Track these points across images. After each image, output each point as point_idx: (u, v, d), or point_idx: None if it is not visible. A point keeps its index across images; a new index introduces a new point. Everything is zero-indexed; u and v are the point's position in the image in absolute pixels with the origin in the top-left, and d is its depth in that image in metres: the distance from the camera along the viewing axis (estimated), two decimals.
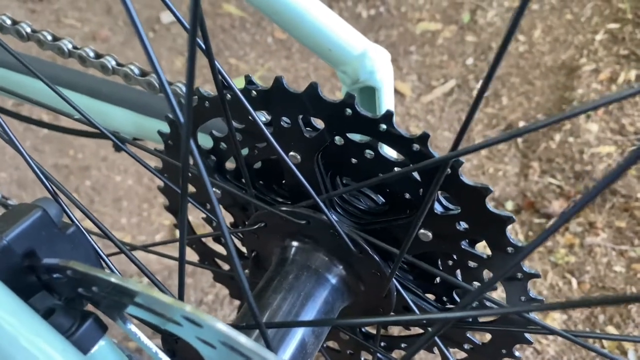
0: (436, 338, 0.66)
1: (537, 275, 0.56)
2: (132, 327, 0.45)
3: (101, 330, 0.45)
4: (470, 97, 2.20)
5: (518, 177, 1.95)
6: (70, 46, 0.75)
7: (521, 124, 2.06)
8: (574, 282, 1.70)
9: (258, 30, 2.52)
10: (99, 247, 0.53)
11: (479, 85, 2.21)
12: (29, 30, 0.77)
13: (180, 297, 0.46)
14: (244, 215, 0.74)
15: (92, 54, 0.74)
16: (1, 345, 0.36)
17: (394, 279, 0.64)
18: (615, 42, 2.21)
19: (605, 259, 1.73)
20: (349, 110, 0.53)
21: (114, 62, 0.73)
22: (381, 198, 0.66)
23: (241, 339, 0.35)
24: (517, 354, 0.65)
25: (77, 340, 0.43)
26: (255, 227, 0.67)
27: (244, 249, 0.79)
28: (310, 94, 0.54)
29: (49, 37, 0.76)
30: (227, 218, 0.79)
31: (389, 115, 0.52)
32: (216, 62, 0.52)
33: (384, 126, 0.52)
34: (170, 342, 0.59)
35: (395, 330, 0.98)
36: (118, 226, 1.80)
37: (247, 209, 0.72)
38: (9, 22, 0.77)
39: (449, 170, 0.52)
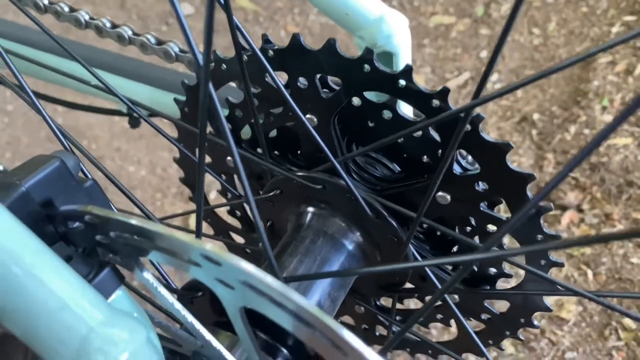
0: (455, 308, 0.65)
1: (557, 237, 0.55)
2: (149, 276, 0.44)
3: (118, 280, 0.45)
4: (484, 90, 2.18)
5: (533, 168, 1.93)
6: (87, 17, 0.75)
7: (535, 116, 2.04)
8: (590, 273, 1.68)
9: (271, 24, 2.52)
10: (114, 207, 0.53)
11: (493, 78, 2.20)
12: (46, 2, 0.77)
13: (198, 236, 0.46)
14: (259, 186, 0.73)
15: (108, 25, 0.74)
16: (25, 284, 0.36)
17: (410, 247, 0.63)
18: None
19: (621, 251, 1.70)
20: (367, 67, 0.53)
21: (130, 32, 0.73)
22: (397, 167, 0.66)
23: (259, 273, 0.35)
24: (535, 322, 0.64)
25: (95, 287, 0.43)
26: (271, 193, 0.66)
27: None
28: (328, 50, 0.53)
29: (66, 9, 0.76)
30: (241, 190, 0.79)
31: (408, 70, 0.51)
32: (235, 19, 0.52)
33: (403, 82, 0.52)
34: (185, 304, 0.58)
35: (411, 304, 0.97)
36: None
37: (262, 177, 0.72)
38: None
39: (468, 126, 0.51)
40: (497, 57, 0.41)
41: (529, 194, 0.53)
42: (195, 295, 0.57)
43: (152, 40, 0.72)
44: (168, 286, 0.57)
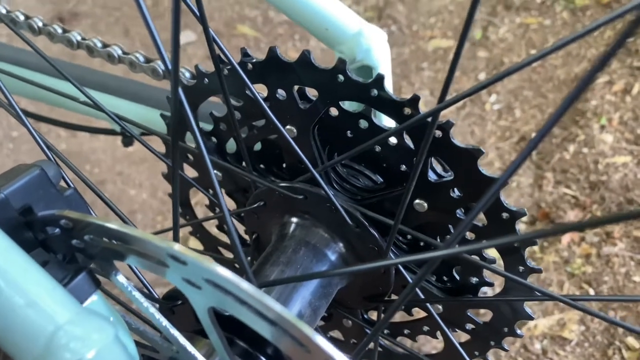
0: (438, 318, 0.65)
1: (533, 243, 0.56)
2: (123, 280, 0.45)
3: (94, 285, 0.46)
4: (482, 111, 2.20)
5: (532, 188, 1.93)
6: (79, 38, 0.78)
7: (534, 135, 2.05)
8: (592, 292, 1.66)
9: None
10: (94, 213, 0.54)
11: (491, 99, 2.22)
12: (40, 24, 0.80)
13: (175, 240, 0.47)
14: (246, 199, 0.74)
15: (99, 44, 0.77)
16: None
17: (391, 255, 0.64)
18: (629, 55, 2.20)
19: (623, 269, 1.69)
20: (341, 77, 0.54)
21: (120, 51, 0.76)
22: (379, 178, 0.66)
23: (220, 270, 0.36)
24: (519, 331, 0.64)
25: (70, 291, 0.44)
26: (255, 205, 0.67)
27: (246, 237, 0.80)
28: (304, 62, 0.55)
29: (59, 30, 0.79)
30: (230, 205, 0.80)
31: (380, 80, 0.53)
32: (212, 32, 0.54)
33: (375, 91, 0.53)
34: (167, 313, 0.59)
35: (397, 316, 0.96)
36: None
37: (247, 190, 0.73)
38: (22, 17, 0.81)
39: (439, 133, 0.52)
40: (457, 59, 0.43)
41: (502, 198, 0.54)
42: (175, 303, 0.57)
43: (141, 59, 0.74)
44: (150, 295, 0.57)
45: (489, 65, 2.36)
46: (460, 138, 2.13)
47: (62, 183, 0.54)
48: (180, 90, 0.41)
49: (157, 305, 0.56)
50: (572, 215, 1.81)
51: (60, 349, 0.36)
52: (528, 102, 2.19)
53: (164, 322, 0.47)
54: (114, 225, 0.41)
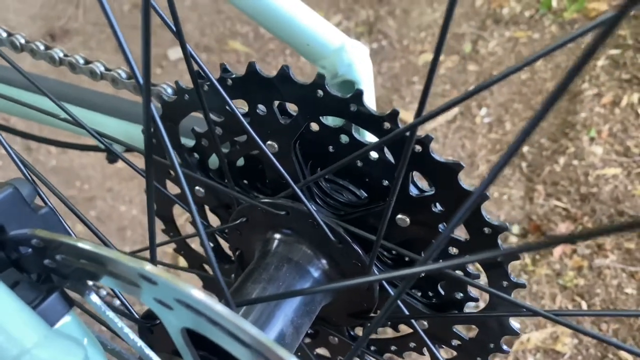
0: (423, 334, 0.65)
1: (516, 258, 0.55)
2: (97, 299, 0.44)
3: (67, 305, 0.45)
4: (473, 124, 2.21)
5: (523, 200, 1.93)
6: (61, 54, 0.77)
7: (524, 148, 2.05)
8: (584, 305, 1.65)
9: (263, 66, 2.57)
10: (72, 232, 0.53)
11: (481, 112, 2.22)
12: (22, 41, 0.79)
13: (152, 259, 0.46)
14: (229, 215, 0.74)
15: (81, 61, 0.76)
16: None
17: (375, 271, 0.63)
18: (617, 67, 2.22)
19: (615, 281, 1.68)
20: (320, 92, 0.54)
21: (102, 68, 0.75)
22: (363, 193, 0.66)
23: (191, 290, 0.35)
24: (505, 347, 0.63)
25: (41, 312, 0.43)
26: (237, 222, 0.67)
27: (230, 253, 0.79)
28: (282, 77, 0.55)
29: (42, 47, 0.78)
30: (214, 222, 0.79)
31: (358, 94, 0.52)
32: (189, 48, 0.54)
33: (354, 106, 0.53)
34: (146, 334, 0.58)
35: (383, 333, 0.95)
36: None
37: (231, 207, 0.72)
38: (4, 34, 0.80)
39: (419, 148, 0.52)
40: (433, 74, 0.42)
41: (484, 213, 0.53)
42: (154, 322, 0.56)
43: (123, 75, 0.74)
44: (128, 315, 0.56)
45: (479, 79, 2.37)
46: (450, 151, 2.13)
47: (39, 201, 0.53)
48: (152, 106, 0.41)
49: (133, 325, 0.55)
50: (564, 228, 1.81)
51: None
52: (518, 115, 2.20)
53: (139, 343, 0.46)
54: (84, 245, 0.40)
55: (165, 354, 0.52)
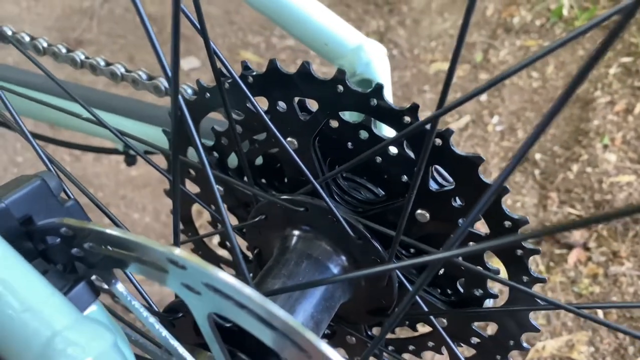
0: (442, 331, 0.65)
1: (536, 251, 0.55)
2: (123, 289, 0.45)
3: (94, 294, 0.46)
4: (485, 132, 2.21)
5: (537, 208, 1.92)
6: (82, 57, 0.79)
7: (537, 155, 2.05)
8: (600, 312, 1.64)
9: None
10: None
11: (494, 120, 2.22)
12: (45, 44, 0.81)
13: (175, 245, 0.47)
14: (247, 215, 0.74)
15: (102, 63, 0.78)
16: None
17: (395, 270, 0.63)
18: (630, 75, 2.22)
19: (631, 289, 1.67)
20: (340, 87, 0.54)
21: (123, 69, 0.76)
22: (381, 191, 0.66)
23: (220, 273, 0.35)
24: (525, 344, 0.63)
25: (69, 300, 0.44)
26: (257, 219, 0.67)
27: (249, 254, 0.79)
28: (303, 73, 0.55)
29: (64, 50, 0.80)
30: (233, 221, 0.79)
31: (379, 89, 0.53)
32: (213, 45, 0.55)
33: (374, 100, 0.53)
34: (168, 328, 0.58)
35: (402, 333, 0.95)
36: None
37: (249, 205, 0.73)
38: (27, 38, 0.82)
39: (439, 141, 0.52)
40: (454, 66, 0.43)
41: (504, 207, 0.53)
42: (176, 316, 0.57)
43: (143, 76, 0.75)
44: (150, 308, 0.57)
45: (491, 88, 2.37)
46: None
47: (63, 195, 0.54)
48: (180, 98, 0.42)
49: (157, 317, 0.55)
50: (578, 235, 1.79)
51: (57, 355, 0.35)
52: (530, 123, 2.20)
53: (164, 333, 0.46)
54: (114, 231, 0.40)
55: (188, 345, 0.52)
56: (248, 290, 0.35)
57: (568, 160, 2.01)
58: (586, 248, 1.77)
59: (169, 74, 0.40)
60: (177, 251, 0.38)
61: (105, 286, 0.47)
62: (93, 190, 2.04)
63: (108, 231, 0.40)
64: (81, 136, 1.02)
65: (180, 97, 0.41)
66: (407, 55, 2.62)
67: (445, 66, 2.52)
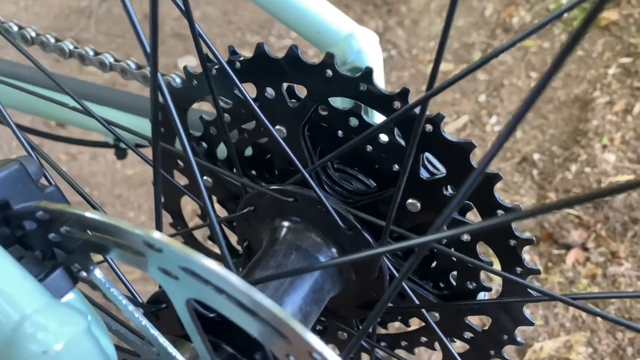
0: (434, 326, 0.63)
1: (530, 241, 0.54)
2: (101, 275, 0.43)
3: (71, 282, 0.44)
4: (483, 132, 2.19)
5: None
6: (71, 47, 0.78)
7: (536, 156, 2.04)
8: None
9: None
10: None
11: (491, 120, 2.21)
12: (33, 34, 0.80)
13: (158, 229, 0.45)
14: (236, 206, 0.73)
15: (91, 53, 0.76)
16: None
17: (386, 261, 0.62)
18: (629, 75, 2.20)
19: (630, 289, 1.65)
20: (329, 72, 0.53)
21: (111, 59, 0.75)
22: (372, 182, 0.65)
23: (197, 256, 0.34)
24: (519, 339, 0.61)
25: (45, 287, 0.42)
26: (245, 210, 0.66)
27: (239, 248, 0.78)
28: (291, 58, 0.54)
29: (52, 40, 0.79)
30: (221, 214, 0.78)
31: (368, 73, 0.52)
32: (198, 28, 0.53)
33: (364, 85, 0.52)
34: (152, 320, 0.57)
35: (393, 328, 0.94)
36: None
37: (239, 197, 0.72)
38: (15, 27, 0.81)
39: (430, 127, 0.51)
40: (446, 38, 0.42)
41: (497, 195, 0.52)
42: (159, 307, 0.55)
43: (132, 66, 0.74)
44: (133, 300, 0.55)
45: (489, 87, 2.36)
46: None
47: (44, 181, 0.53)
48: (160, 78, 0.40)
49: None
50: (576, 235, 1.78)
51: (26, 340, 0.34)
52: (529, 123, 2.18)
53: (144, 322, 0.45)
54: (90, 214, 0.39)
55: (170, 336, 0.51)
56: (225, 273, 0.34)
57: (567, 161, 1.99)
58: (585, 248, 1.76)
59: (147, 50, 0.39)
60: (154, 234, 0.36)
61: (85, 274, 0.46)
62: (89, 189, 2.03)
63: (86, 214, 0.39)
64: (76, 134, 1.01)
65: (160, 77, 0.40)
66: (406, 55, 2.61)
67: (444, 66, 2.51)
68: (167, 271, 0.38)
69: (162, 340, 0.45)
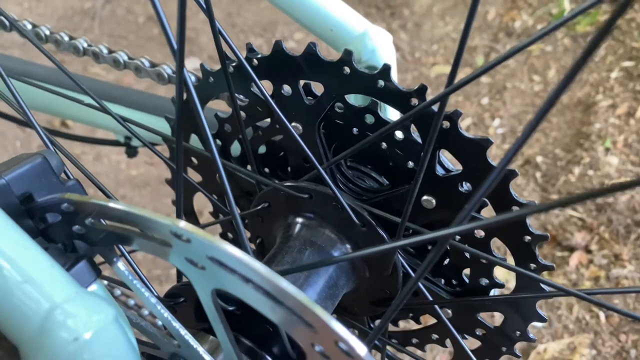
0: (447, 321, 0.64)
1: (545, 237, 0.54)
2: (124, 267, 0.44)
3: (94, 273, 0.45)
4: (486, 134, 2.20)
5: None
6: (85, 45, 0.78)
7: (539, 158, 2.04)
8: (602, 315, 1.63)
9: None
10: None
11: (495, 123, 2.22)
12: (47, 32, 0.80)
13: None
14: (249, 203, 0.73)
15: (105, 51, 0.77)
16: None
17: (400, 258, 0.63)
18: (631, 79, 2.22)
19: None
20: (347, 69, 0.54)
21: (125, 57, 0.76)
22: (385, 180, 0.66)
23: (226, 246, 0.35)
24: (531, 335, 0.62)
25: None
26: (259, 207, 0.66)
27: (252, 245, 0.78)
28: (309, 55, 0.55)
29: (66, 38, 0.79)
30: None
31: (386, 70, 0.52)
32: (218, 25, 0.54)
33: (381, 82, 0.53)
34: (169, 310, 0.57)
35: (404, 325, 0.94)
36: (135, 260, 1.80)
37: (252, 195, 0.72)
38: (29, 26, 0.81)
39: (447, 123, 0.52)
40: (466, 38, 0.42)
41: (512, 192, 0.52)
42: (177, 301, 0.56)
43: (146, 64, 0.74)
44: (152, 294, 0.56)
45: (492, 90, 2.37)
46: None
47: (64, 177, 0.53)
48: (185, 71, 0.41)
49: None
50: (580, 238, 1.78)
51: (57, 328, 0.34)
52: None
53: (166, 314, 0.45)
54: (116, 205, 0.40)
55: (190, 329, 0.51)
56: (255, 262, 0.34)
57: (570, 163, 2.00)
58: (588, 250, 1.76)
59: (175, 46, 0.40)
60: (182, 224, 0.37)
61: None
62: (93, 189, 2.03)
63: (111, 205, 0.40)
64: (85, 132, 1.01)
65: (185, 71, 0.40)
66: (409, 58, 2.62)
67: (447, 69, 2.52)
68: (194, 262, 0.38)
69: (184, 332, 0.45)
